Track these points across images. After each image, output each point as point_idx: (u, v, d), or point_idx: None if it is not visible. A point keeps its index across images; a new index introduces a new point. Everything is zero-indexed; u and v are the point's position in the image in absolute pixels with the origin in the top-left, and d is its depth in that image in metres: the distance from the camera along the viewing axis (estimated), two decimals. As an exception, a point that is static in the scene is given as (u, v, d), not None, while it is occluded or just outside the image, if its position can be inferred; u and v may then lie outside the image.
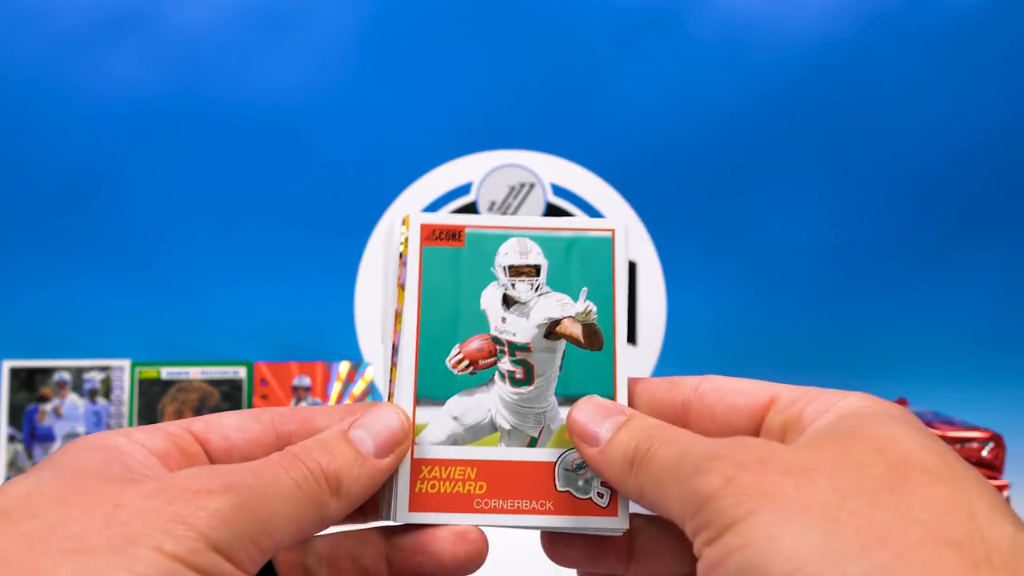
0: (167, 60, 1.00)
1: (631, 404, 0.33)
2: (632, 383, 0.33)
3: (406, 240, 0.34)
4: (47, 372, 0.95)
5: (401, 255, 0.34)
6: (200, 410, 0.95)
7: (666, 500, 0.27)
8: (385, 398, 0.33)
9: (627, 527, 0.32)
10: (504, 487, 0.32)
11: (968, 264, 1.00)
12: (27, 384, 0.95)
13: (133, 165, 1.00)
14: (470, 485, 0.32)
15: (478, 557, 0.31)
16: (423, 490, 0.32)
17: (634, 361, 0.96)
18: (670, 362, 0.98)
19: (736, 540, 0.23)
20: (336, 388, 0.96)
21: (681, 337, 0.98)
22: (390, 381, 0.33)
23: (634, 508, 0.32)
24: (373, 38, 1.01)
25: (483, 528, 0.32)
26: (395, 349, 0.33)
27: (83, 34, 0.99)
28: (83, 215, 1.00)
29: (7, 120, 1.00)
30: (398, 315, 0.34)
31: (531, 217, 0.35)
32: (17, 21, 0.99)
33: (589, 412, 0.31)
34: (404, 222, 0.34)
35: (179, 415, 0.95)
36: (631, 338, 0.95)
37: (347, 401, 0.97)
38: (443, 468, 0.32)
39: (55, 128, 1.00)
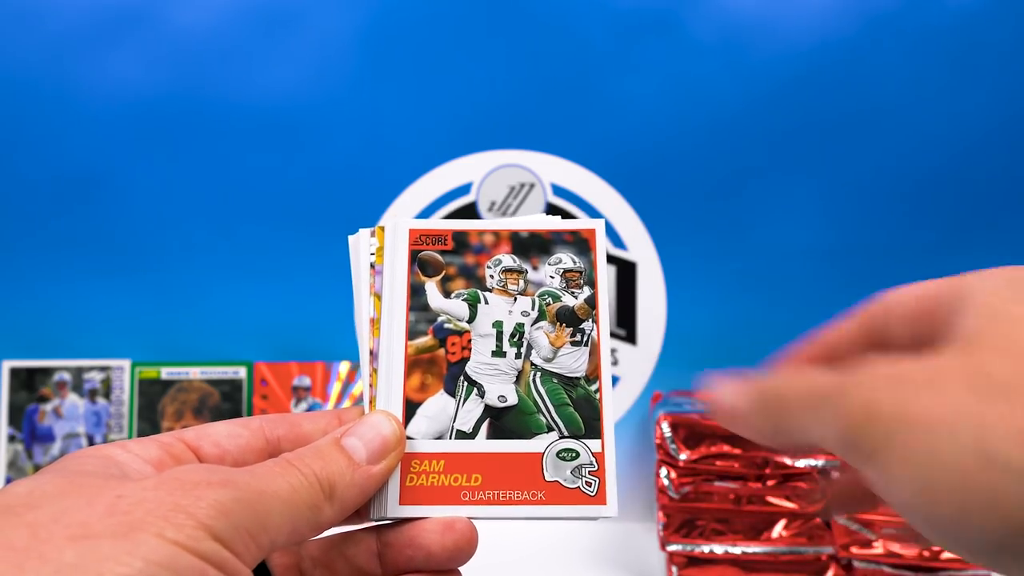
0: (167, 60, 1.00)
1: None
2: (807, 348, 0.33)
3: (379, 250, 0.35)
4: (47, 372, 0.95)
5: (373, 265, 0.35)
6: (200, 410, 0.95)
7: (801, 432, 0.27)
8: (367, 404, 0.34)
9: (615, 514, 0.32)
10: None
11: (968, 265, 0.99)
12: (27, 384, 0.95)
13: (133, 165, 1.00)
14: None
15: (467, 547, 0.32)
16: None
17: (634, 361, 0.96)
18: (670, 362, 0.98)
19: (891, 461, 0.24)
20: (336, 388, 0.96)
21: (681, 337, 0.98)
22: (370, 386, 0.34)
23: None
24: (373, 38, 1.01)
25: (475, 521, 0.32)
26: (374, 355, 0.34)
27: (83, 34, 0.99)
28: (83, 215, 1.00)
29: (7, 120, 1.00)
30: (374, 322, 0.35)
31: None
32: (17, 21, 0.99)
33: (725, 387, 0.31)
34: (375, 233, 0.36)
35: (179, 415, 0.95)
36: (631, 338, 0.95)
37: (347, 401, 0.97)
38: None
39: (55, 128, 1.00)
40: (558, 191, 0.95)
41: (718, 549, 0.77)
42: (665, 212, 0.98)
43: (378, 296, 0.35)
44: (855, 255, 1.00)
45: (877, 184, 1.00)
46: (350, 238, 0.36)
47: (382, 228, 0.36)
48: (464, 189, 0.96)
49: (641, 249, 0.95)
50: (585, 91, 1.01)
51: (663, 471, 0.78)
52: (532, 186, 0.95)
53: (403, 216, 0.97)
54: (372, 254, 0.35)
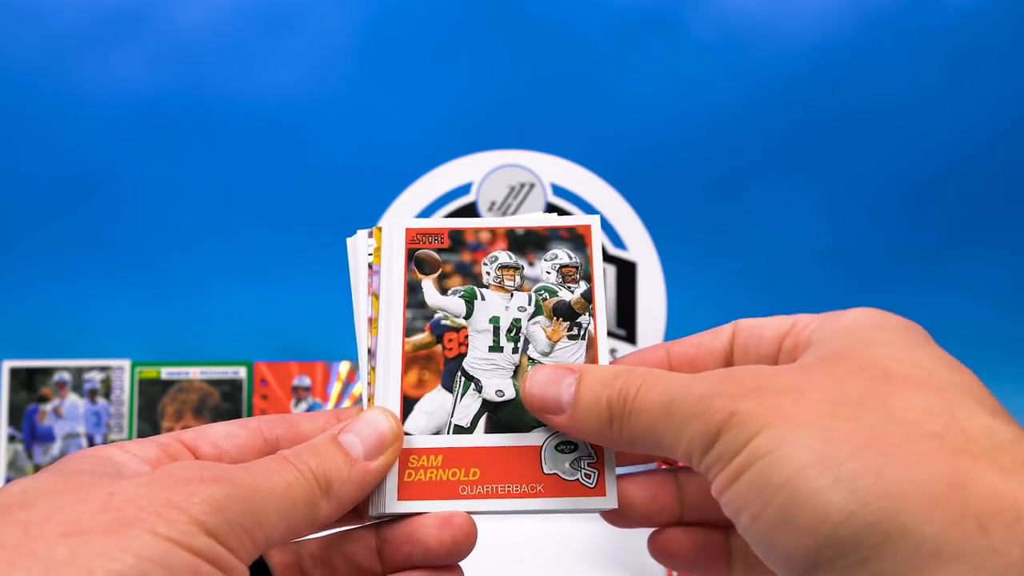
0: (167, 60, 1.00)
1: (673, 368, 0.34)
2: (659, 347, 0.35)
3: (376, 250, 0.35)
4: (47, 372, 0.95)
5: (371, 265, 0.35)
6: (200, 410, 0.95)
7: (664, 446, 0.28)
8: (365, 401, 0.34)
9: (615, 506, 0.32)
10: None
11: (968, 265, 1.00)
12: (27, 384, 0.95)
13: (133, 165, 1.00)
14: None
15: (465, 541, 0.31)
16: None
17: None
18: (670, 362, 0.98)
19: (744, 461, 0.25)
20: (336, 388, 0.96)
21: (681, 337, 0.98)
22: (368, 384, 0.34)
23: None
24: (373, 38, 1.01)
25: (475, 515, 0.32)
26: (371, 354, 0.34)
27: (83, 34, 0.99)
28: (83, 215, 1.00)
29: (7, 120, 1.00)
30: (372, 321, 0.35)
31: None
32: (17, 21, 0.99)
33: (540, 382, 0.32)
34: (373, 234, 0.36)
35: (179, 415, 0.95)
36: (631, 338, 0.95)
37: (347, 401, 0.97)
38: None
39: (55, 128, 1.00)
40: (558, 191, 0.95)
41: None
42: (665, 212, 0.98)
43: (376, 296, 0.35)
44: (855, 255, 1.00)
45: (877, 184, 1.00)
46: (348, 241, 0.36)
47: (379, 228, 0.36)
48: (464, 189, 0.95)
49: (641, 249, 0.95)
50: (585, 91, 1.01)
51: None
52: (532, 186, 0.95)
53: (402, 216, 0.97)
54: (370, 255, 0.36)
